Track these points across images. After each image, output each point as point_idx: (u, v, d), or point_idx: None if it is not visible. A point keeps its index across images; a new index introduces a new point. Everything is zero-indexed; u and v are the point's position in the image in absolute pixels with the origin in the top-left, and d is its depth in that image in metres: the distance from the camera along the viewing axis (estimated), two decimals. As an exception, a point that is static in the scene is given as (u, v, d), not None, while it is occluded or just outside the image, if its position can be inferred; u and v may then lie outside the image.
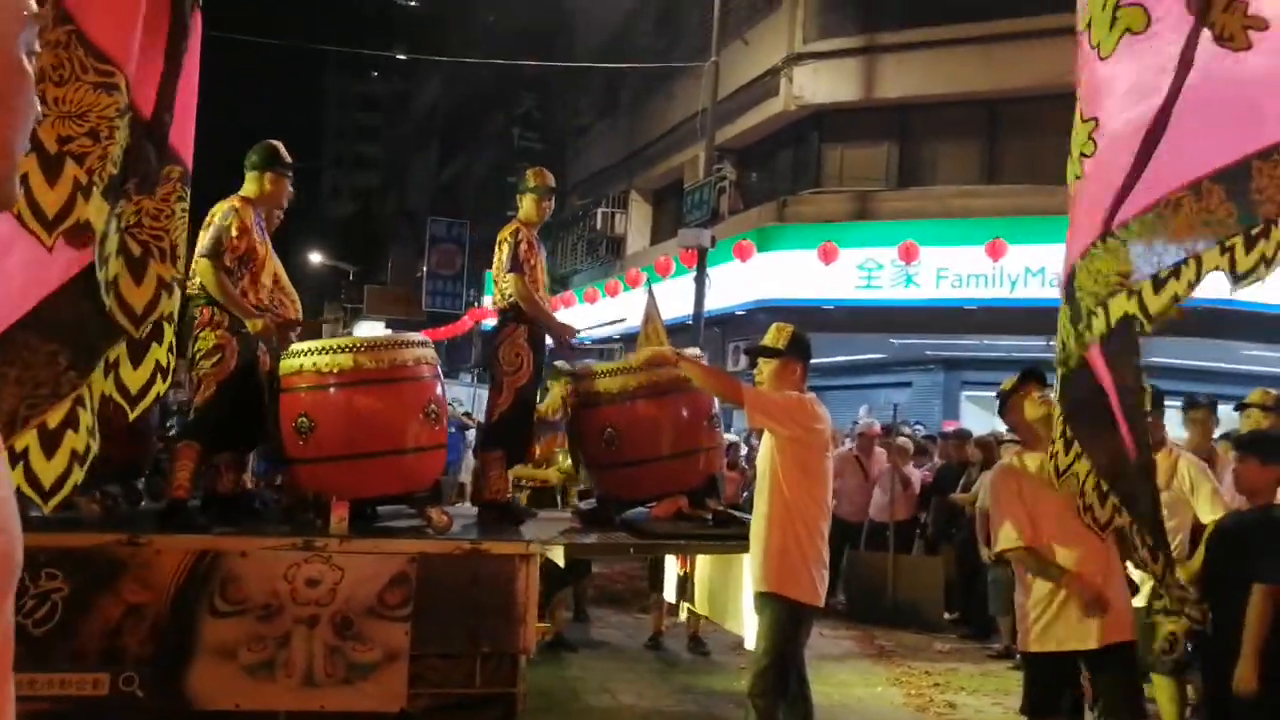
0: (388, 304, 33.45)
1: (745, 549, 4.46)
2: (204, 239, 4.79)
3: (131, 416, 3.25)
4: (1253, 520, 4.08)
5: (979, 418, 14.27)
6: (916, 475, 9.47)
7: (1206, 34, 2.72)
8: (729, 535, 5.08)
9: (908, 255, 13.08)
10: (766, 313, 13.77)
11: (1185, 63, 2.80)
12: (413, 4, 27.93)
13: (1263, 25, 2.59)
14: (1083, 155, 3.38)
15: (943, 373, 15.80)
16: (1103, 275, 3.21)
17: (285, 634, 4.17)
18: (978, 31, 13.64)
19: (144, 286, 2.92)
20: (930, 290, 13.46)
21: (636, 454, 5.25)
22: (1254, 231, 2.64)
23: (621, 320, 13.58)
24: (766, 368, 4.33)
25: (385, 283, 36.79)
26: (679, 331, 11.94)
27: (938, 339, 14.66)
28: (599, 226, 20.94)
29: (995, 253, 12.54)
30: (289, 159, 5.16)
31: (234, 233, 4.78)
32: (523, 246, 5.37)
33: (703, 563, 5.94)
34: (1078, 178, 3.50)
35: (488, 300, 24.52)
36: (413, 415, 4.70)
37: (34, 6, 0.83)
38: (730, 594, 5.43)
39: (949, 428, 13.16)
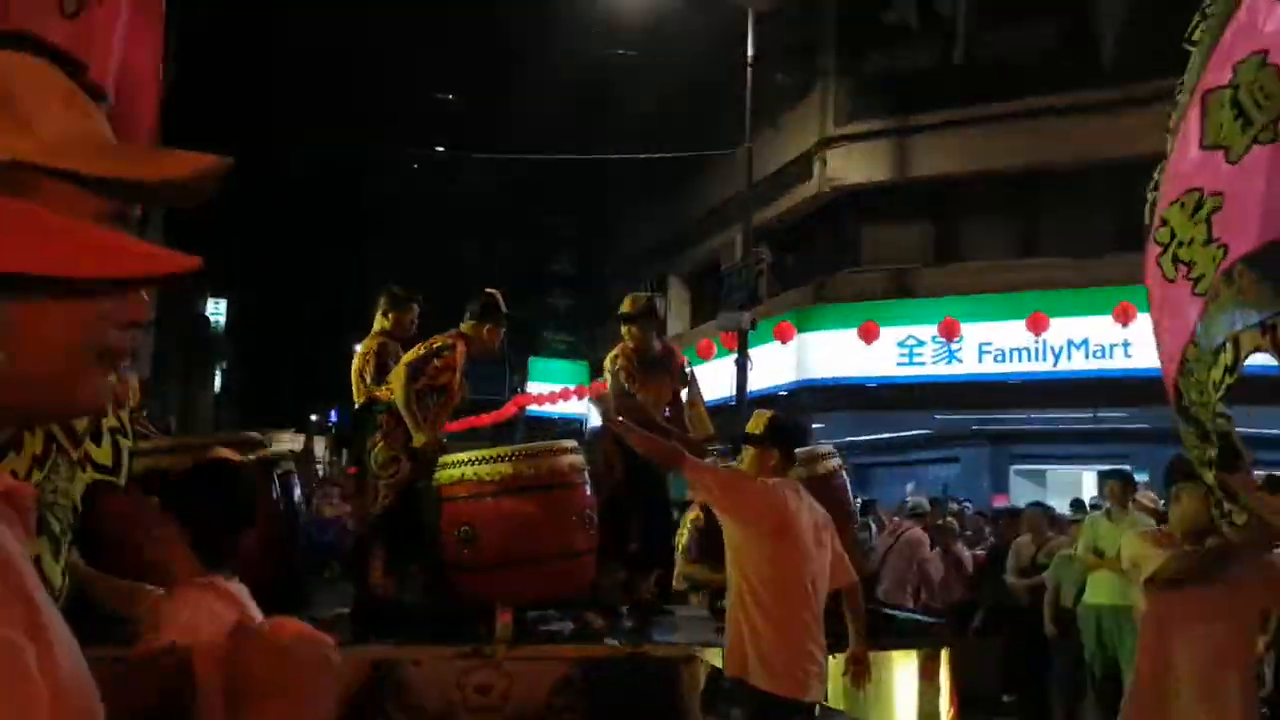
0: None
1: (895, 648, 4.46)
2: (416, 353, 5.09)
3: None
4: None
5: (1029, 491, 14.09)
6: (968, 555, 9.34)
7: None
8: (877, 634, 5.13)
9: (949, 332, 13.08)
10: (809, 392, 13.80)
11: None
12: (450, 98, 28.86)
13: None
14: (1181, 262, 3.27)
15: (989, 447, 15.65)
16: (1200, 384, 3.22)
17: None
18: (1007, 109, 13.80)
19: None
20: (973, 365, 13.42)
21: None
22: None
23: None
24: (747, 454, 4.28)
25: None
26: (720, 411, 11.97)
27: (983, 414, 14.57)
28: (639, 311, 21.11)
29: (1036, 326, 12.52)
30: (504, 310, 5.43)
31: (438, 363, 5.02)
32: (622, 375, 5.62)
33: (836, 661, 6.01)
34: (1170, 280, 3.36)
35: (532, 387, 24.85)
36: (570, 520, 4.76)
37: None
38: (874, 690, 5.46)
39: (999, 503, 12.98)
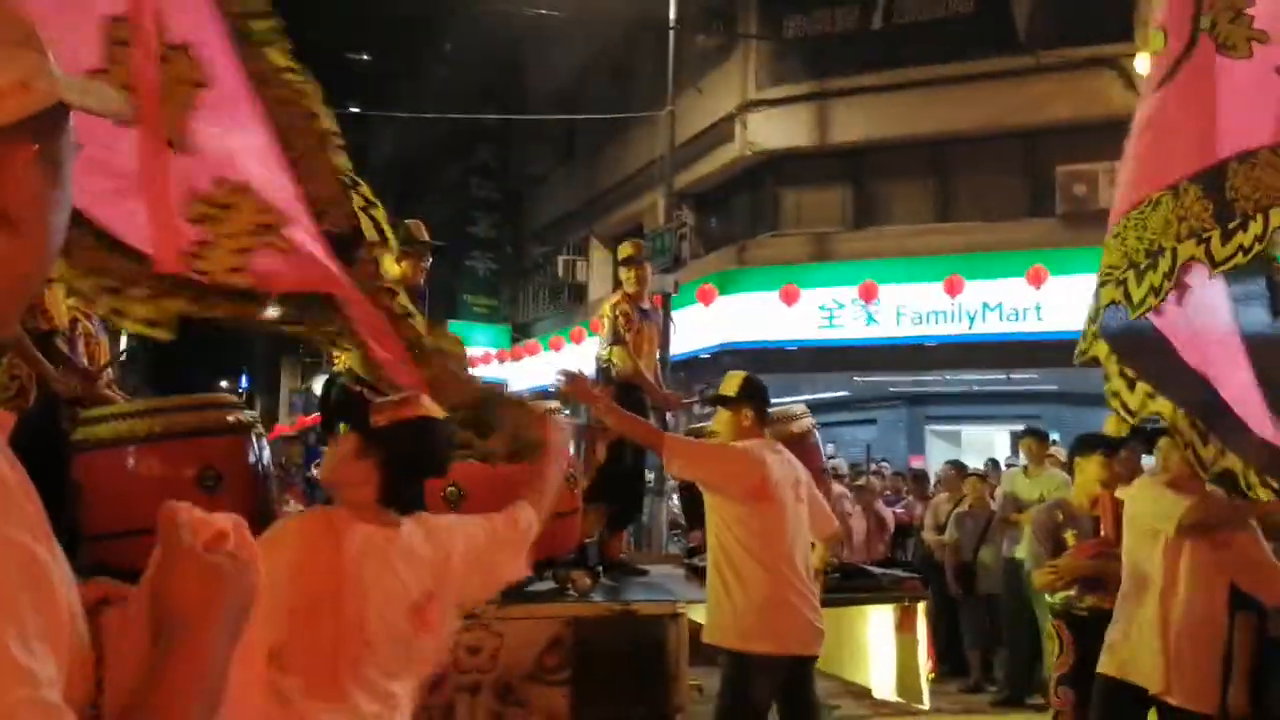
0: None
1: (872, 602, 4.54)
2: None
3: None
4: None
5: (944, 452, 14.44)
6: (889, 514, 9.56)
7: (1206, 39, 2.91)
8: (856, 589, 5.33)
9: (868, 294, 13.26)
10: (731, 355, 13.89)
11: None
12: (365, 58, 28.12)
13: (1265, 38, 2.78)
14: None
15: (906, 409, 15.97)
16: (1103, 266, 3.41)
17: (449, 703, 4.19)
18: (924, 75, 13.96)
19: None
20: (891, 328, 13.64)
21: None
22: (1231, 225, 2.81)
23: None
24: (721, 416, 4.36)
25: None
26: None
27: (900, 376, 14.84)
28: (560, 274, 21.03)
29: (953, 289, 12.76)
30: (425, 239, 5.56)
31: None
32: (621, 321, 5.68)
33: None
34: None
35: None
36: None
37: None
38: (849, 647, 5.57)
39: (916, 463, 13.30)
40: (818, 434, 6.08)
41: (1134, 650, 3.87)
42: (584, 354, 16.44)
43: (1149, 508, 3.93)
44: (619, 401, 5.37)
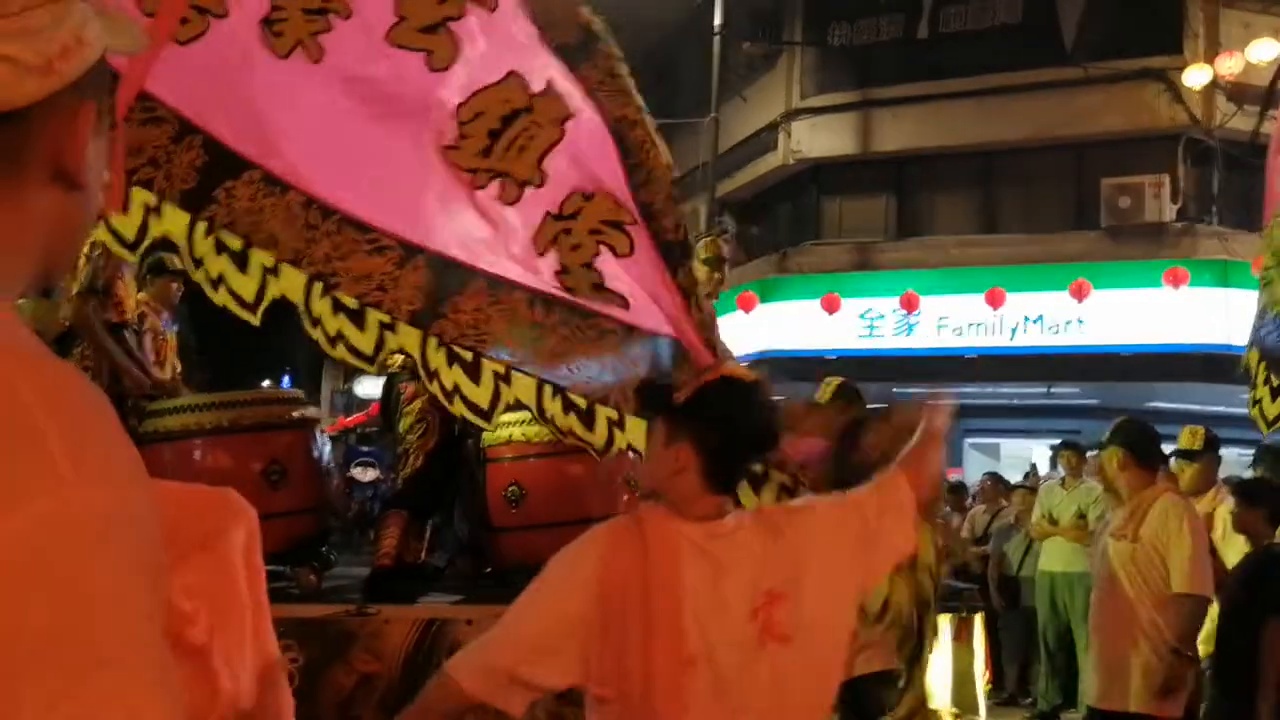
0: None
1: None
2: None
3: None
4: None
5: (982, 465, 14.34)
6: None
7: None
8: None
9: (909, 305, 13.23)
10: (772, 363, 13.92)
11: None
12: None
13: None
14: None
15: (945, 420, 15.86)
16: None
17: None
18: (969, 85, 13.91)
19: (249, 275, 2.98)
20: (931, 339, 13.60)
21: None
22: None
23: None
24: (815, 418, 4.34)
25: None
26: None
27: (939, 387, 14.75)
28: (601, 279, 21.10)
29: (994, 301, 12.70)
30: None
31: None
32: None
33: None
34: None
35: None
36: (615, 482, 4.68)
37: None
38: None
39: (954, 475, 13.24)
40: None
41: None
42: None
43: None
44: None
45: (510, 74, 2.91)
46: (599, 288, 3.05)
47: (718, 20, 14.31)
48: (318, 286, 2.86)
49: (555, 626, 1.92)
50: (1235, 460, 6.94)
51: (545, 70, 2.96)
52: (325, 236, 2.83)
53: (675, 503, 1.98)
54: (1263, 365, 3.56)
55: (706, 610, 1.87)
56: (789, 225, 16.41)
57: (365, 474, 10.95)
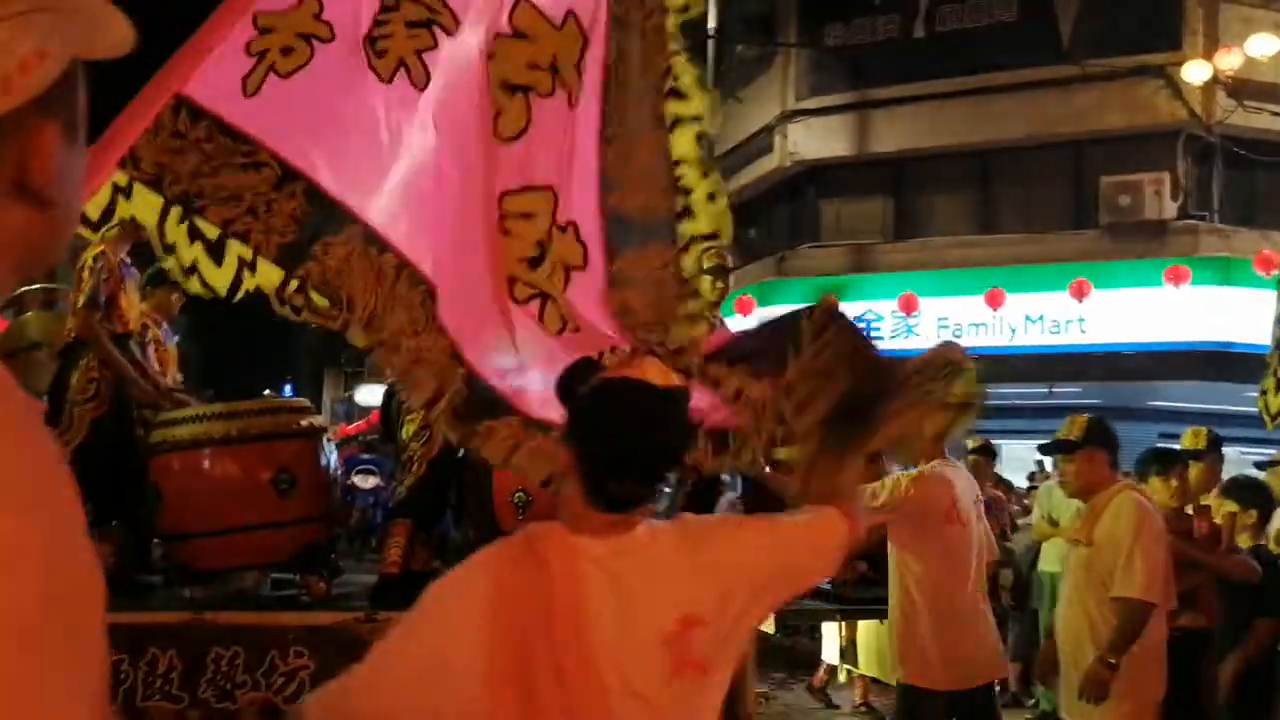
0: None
1: None
2: None
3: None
4: None
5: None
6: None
7: None
8: None
9: (908, 306, 13.15)
10: (768, 366, 13.83)
11: None
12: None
13: None
14: None
15: (946, 422, 15.79)
16: None
17: None
18: (965, 84, 13.84)
19: (225, 268, 2.87)
20: (931, 340, 13.50)
21: None
22: None
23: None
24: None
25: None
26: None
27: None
28: (599, 285, 21.06)
29: (994, 302, 12.61)
30: None
31: None
32: None
33: (867, 625, 6.13)
34: None
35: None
36: None
37: None
38: None
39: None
40: None
41: None
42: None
43: None
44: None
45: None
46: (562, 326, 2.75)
47: (711, 23, 14.23)
48: (175, 210, 2.60)
49: (435, 675, 1.62)
50: (1236, 459, 6.87)
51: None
52: (194, 146, 2.56)
53: (568, 518, 1.72)
54: (1277, 354, 3.53)
55: (615, 638, 1.61)
56: (786, 228, 16.33)
57: (366, 481, 10.94)
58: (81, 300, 4.45)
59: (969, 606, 4.03)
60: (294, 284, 2.67)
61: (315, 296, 2.68)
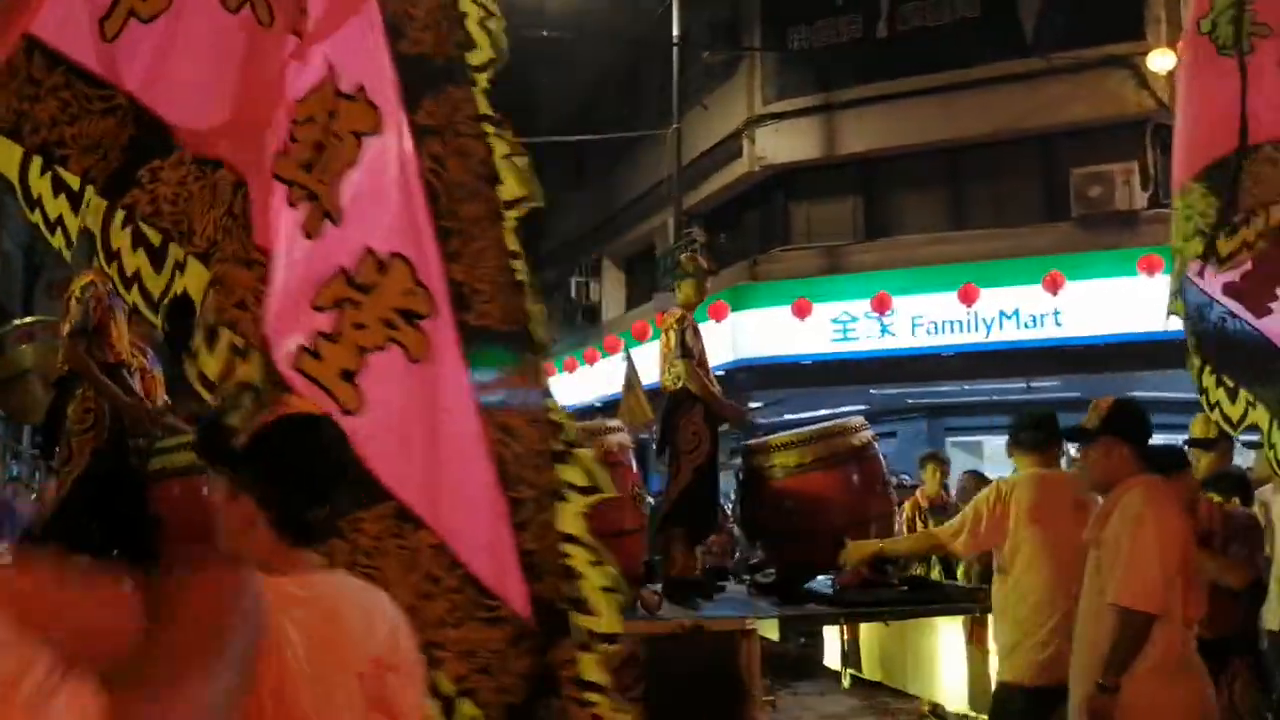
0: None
1: (943, 614, 4.80)
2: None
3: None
4: None
5: (965, 464, 14.19)
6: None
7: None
8: (926, 600, 5.37)
9: (881, 306, 13.09)
10: (746, 371, 13.74)
11: None
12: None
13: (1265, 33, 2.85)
14: None
15: (925, 420, 15.74)
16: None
17: None
18: (931, 82, 13.82)
19: (163, 274, 2.62)
20: (906, 339, 13.45)
21: (810, 525, 5.32)
22: (1236, 220, 2.82)
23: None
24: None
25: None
26: (659, 395, 11.84)
27: (917, 387, 14.63)
28: (573, 295, 20.94)
29: (968, 298, 12.56)
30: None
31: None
32: (688, 333, 5.70)
33: (870, 629, 6.19)
34: None
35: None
36: (619, 499, 4.69)
37: None
38: (912, 658, 5.61)
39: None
40: (877, 445, 6.00)
41: None
42: (597, 375, 16.31)
43: None
44: (687, 418, 5.33)
45: (329, 69, 2.41)
46: (346, 377, 2.38)
47: (675, 30, 14.17)
48: (37, 160, 2.44)
49: None
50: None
51: (366, 74, 2.44)
52: (51, 93, 2.40)
53: (257, 563, 1.62)
54: (1207, 369, 3.41)
55: (313, 678, 1.55)
56: (758, 232, 16.27)
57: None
58: (68, 328, 4.44)
59: (1068, 605, 4.03)
60: (120, 215, 2.54)
61: (146, 229, 2.54)
